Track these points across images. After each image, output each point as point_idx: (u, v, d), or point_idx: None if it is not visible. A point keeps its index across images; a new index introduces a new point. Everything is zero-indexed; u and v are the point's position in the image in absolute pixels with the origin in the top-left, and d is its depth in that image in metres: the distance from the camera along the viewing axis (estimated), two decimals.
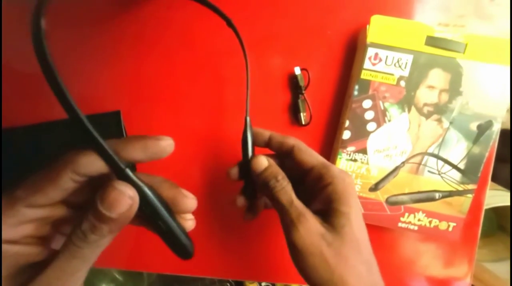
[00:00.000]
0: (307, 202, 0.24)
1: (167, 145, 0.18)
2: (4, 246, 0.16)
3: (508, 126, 0.94)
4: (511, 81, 0.30)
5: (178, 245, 0.19)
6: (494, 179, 0.39)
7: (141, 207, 0.17)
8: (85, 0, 0.35)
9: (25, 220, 0.16)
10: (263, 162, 0.25)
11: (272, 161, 0.25)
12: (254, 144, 0.27)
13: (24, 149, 0.38)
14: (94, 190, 0.17)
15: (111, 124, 0.37)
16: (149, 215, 0.18)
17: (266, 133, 0.27)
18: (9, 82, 0.37)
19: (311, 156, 0.25)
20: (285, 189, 0.23)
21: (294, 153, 0.26)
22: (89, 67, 0.36)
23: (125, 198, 0.16)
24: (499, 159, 0.34)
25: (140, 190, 0.17)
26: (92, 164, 0.16)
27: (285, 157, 0.27)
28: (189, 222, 0.21)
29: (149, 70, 0.36)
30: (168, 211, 0.19)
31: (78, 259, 0.16)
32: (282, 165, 0.26)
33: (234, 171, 0.27)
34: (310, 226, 0.22)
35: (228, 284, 0.87)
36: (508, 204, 0.74)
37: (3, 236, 0.16)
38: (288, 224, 0.22)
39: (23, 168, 0.38)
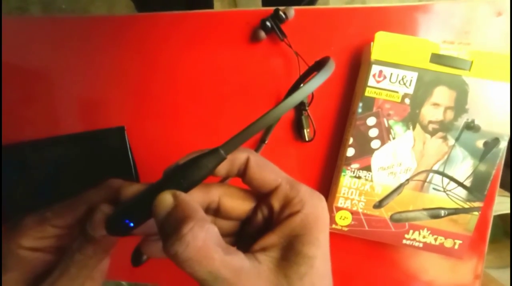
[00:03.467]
0: (259, 232, 0.17)
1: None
2: (27, 252, 0.19)
3: None
4: (511, 96, 0.30)
5: None
6: (500, 185, 0.39)
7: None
8: (96, 21, 0.36)
9: (48, 236, 0.20)
10: (165, 200, 0.15)
11: (185, 198, 0.15)
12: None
13: (28, 164, 0.38)
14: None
15: (115, 140, 0.37)
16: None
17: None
18: (13, 93, 0.38)
19: (273, 172, 0.18)
20: (202, 252, 0.14)
21: (250, 170, 0.17)
22: (95, 83, 0.37)
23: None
24: (505, 164, 0.34)
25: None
26: (100, 199, 0.19)
27: (238, 176, 0.19)
28: None
29: (153, 88, 0.36)
30: None
31: (66, 277, 0.18)
32: None
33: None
34: None
35: None
36: None
37: (30, 245, 0.19)
38: None
39: (27, 183, 0.38)
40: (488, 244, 0.36)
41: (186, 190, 0.16)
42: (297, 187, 0.17)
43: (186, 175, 0.16)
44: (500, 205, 0.80)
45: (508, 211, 0.79)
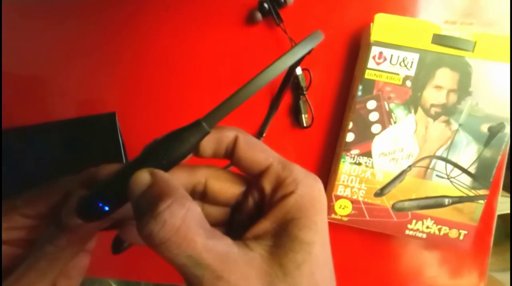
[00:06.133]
0: (252, 221, 0.16)
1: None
2: None
3: None
4: (510, 80, 0.29)
5: None
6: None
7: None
8: (86, 3, 0.35)
9: (17, 226, 0.18)
10: (141, 178, 0.14)
11: (164, 175, 0.14)
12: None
13: (17, 150, 0.37)
14: None
15: (106, 126, 0.36)
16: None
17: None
18: (4, 84, 0.36)
19: (264, 151, 0.16)
20: (181, 232, 0.12)
21: (238, 149, 0.16)
22: (86, 69, 0.35)
23: None
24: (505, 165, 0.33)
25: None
26: (75, 187, 0.17)
27: (226, 157, 0.17)
28: None
29: (146, 72, 0.35)
30: None
31: (35, 272, 0.16)
32: None
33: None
34: None
35: None
36: None
37: None
38: None
39: (17, 170, 0.37)
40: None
41: (166, 167, 0.15)
42: (289, 167, 0.16)
43: (165, 151, 0.15)
44: (501, 205, 0.79)
45: (509, 211, 0.78)
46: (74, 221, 0.16)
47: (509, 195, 0.81)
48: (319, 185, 0.16)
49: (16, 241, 0.18)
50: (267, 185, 0.16)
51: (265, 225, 0.15)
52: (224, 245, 0.13)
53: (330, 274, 0.15)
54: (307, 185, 0.15)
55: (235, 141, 0.16)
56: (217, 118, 0.15)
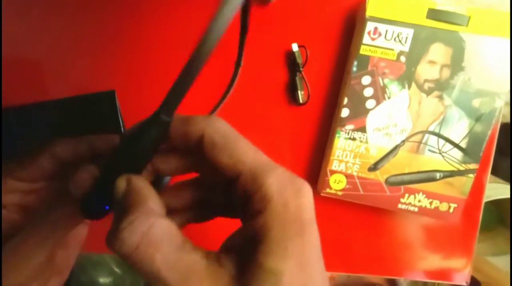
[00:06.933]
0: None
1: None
2: None
3: (508, 119, 0.93)
4: (511, 58, 0.29)
5: None
6: (494, 172, 0.39)
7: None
8: None
9: (10, 189, 0.18)
10: (119, 186, 0.14)
11: (137, 184, 0.14)
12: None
13: (15, 129, 0.37)
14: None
15: (105, 105, 0.36)
16: None
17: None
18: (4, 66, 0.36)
19: (233, 155, 0.14)
20: (140, 250, 0.12)
21: (204, 150, 0.14)
22: (84, 46, 0.35)
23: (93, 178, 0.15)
24: (499, 151, 0.34)
25: None
26: (66, 151, 0.18)
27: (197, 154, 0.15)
28: None
29: (147, 50, 0.35)
30: None
31: (34, 237, 0.17)
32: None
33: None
34: None
35: None
36: (508, 196, 0.73)
37: None
38: None
39: (13, 148, 0.37)
40: (481, 231, 0.36)
41: (142, 163, 0.15)
42: (261, 178, 0.13)
43: (136, 149, 0.14)
44: (494, 191, 0.80)
45: (502, 196, 0.79)
46: (82, 192, 0.16)
47: (501, 181, 0.83)
48: (300, 200, 0.13)
49: (12, 205, 0.18)
50: (237, 198, 0.14)
51: (238, 239, 0.14)
52: (190, 260, 0.12)
53: None
54: (280, 203, 0.13)
55: (201, 139, 0.14)
56: (174, 104, 0.14)
